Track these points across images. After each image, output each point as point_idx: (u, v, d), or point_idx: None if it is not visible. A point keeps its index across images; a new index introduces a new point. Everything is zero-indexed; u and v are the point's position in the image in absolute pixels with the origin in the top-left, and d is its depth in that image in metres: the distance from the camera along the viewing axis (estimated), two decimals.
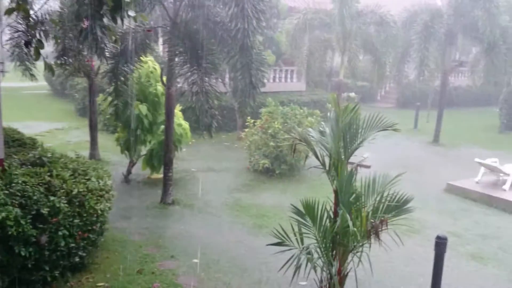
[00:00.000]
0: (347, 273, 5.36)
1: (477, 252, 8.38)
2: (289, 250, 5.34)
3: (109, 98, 9.95)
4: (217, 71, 8.77)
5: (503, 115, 20.05)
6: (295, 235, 5.37)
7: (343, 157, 5.27)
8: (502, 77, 17.20)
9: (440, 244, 6.47)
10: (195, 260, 7.40)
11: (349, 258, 5.29)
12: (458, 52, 23.28)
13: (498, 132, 19.77)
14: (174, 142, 10.40)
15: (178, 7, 9.02)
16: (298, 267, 5.15)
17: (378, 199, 5.24)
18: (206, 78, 8.35)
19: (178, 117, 10.82)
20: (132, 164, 11.18)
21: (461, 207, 10.76)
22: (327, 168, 5.34)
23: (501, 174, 11.91)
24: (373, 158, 10.46)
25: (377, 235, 4.82)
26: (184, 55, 8.57)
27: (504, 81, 18.98)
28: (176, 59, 8.79)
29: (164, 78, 9.87)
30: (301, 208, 5.33)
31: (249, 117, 12.88)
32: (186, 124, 11.04)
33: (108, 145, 13.21)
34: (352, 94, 20.23)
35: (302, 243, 5.32)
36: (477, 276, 7.58)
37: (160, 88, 10.76)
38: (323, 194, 5.96)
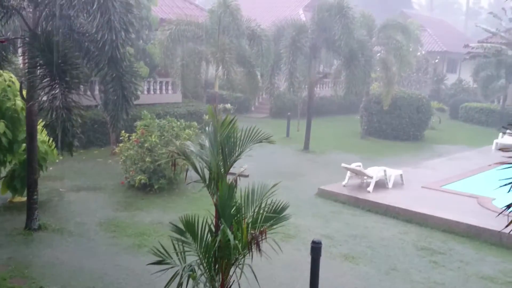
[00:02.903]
0: (231, 286, 5.34)
1: (349, 252, 8.93)
2: (171, 268, 5.18)
3: None
4: (80, 86, 8.25)
5: (364, 122, 21.86)
6: (176, 252, 5.23)
7: (222, 170, 5.26)
8: (362, 87, 18.74)
9: (316, 249, 6.79)
10: None
11: (232, 270, 5.28)
12: (322, 64, 24.97)
13: (360, 138, 21.51)
14: (39, 161, 9.56)
15: (38, 17, 8.35)
16: (179, 286, 5.01)
17: (257, 209, 5.32)
18: (69, 93, 7.79)
19: (42, 133, 9.97)
20: None
21: (331, 210, 11.40)
22: (207, 182, 5.29)
23: (365, 177, 12.91)
24: (251, 167, 10.72)
25: (257, 246, 4.87)
26: (45, 68, 7.93)
27: (364, 91, 20.72)
28: (38, 72, 8.10)
29: (24, 92, 9.03)
30: (181, 225, 5.20)
31: (123, 131, 12.36)
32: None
33: None
34: (228, 105, 20.56)
35: (185, 261, 5.20)
36: (351, 275, 8.07)
37: (19, 103, 9.80)
38: (204, 206, 5.91)
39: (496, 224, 9.18)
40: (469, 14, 67.24)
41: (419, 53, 29.32)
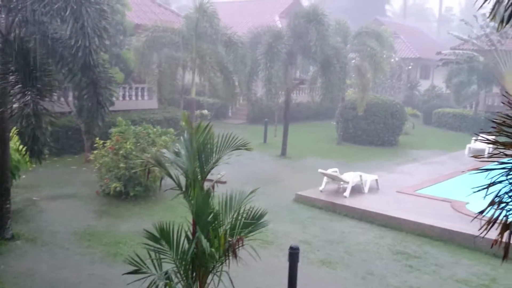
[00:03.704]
0: None
1: (326, 258, 8.97)
2: (148, 277, 5.10)
3: None
4: (52, 93, 8.14)
5: (340, 128, 22.07)
6: (152, 260, 5.16)
7: (199, 177, 5.23)
8: (337, 93, 18.93)
9: (293, 255, 6.80)
10: None
11: (210, 278, 5.24)
12: (298, 71, 25.13)
13: (336, 144, 21.69)
14: (11, 169, 9.34)
15: (10, 23, 8.20)
16: None
17: (235, 216, 5.30)
18: (40, 100, 7.66)
19: (15, 141, 9.74)
20: None
21: (309, 215, 11.45)
22: (183, 189, 5.24)
23: (342, 182, 13.02)
24: (229, 173, 10.69)
25: (234, 254, 4.85)
26: (17, 74, 7.79)
27: (339, 97, 20.94)
28: (10, 78, 7.95)
29: None
30: (156, 233, 5.14)
31: (97, 138, 12.17)
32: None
33: None
34: (205, 112, 20.53)
35: (161, 269, 5.13)
36: (328, 280, 8.11)
37: None
38: (181, 214, 5.85)
39: (470, 227, 9.36)
40: (441, 21, 68.76)
41: (392, 60, 29.79)
